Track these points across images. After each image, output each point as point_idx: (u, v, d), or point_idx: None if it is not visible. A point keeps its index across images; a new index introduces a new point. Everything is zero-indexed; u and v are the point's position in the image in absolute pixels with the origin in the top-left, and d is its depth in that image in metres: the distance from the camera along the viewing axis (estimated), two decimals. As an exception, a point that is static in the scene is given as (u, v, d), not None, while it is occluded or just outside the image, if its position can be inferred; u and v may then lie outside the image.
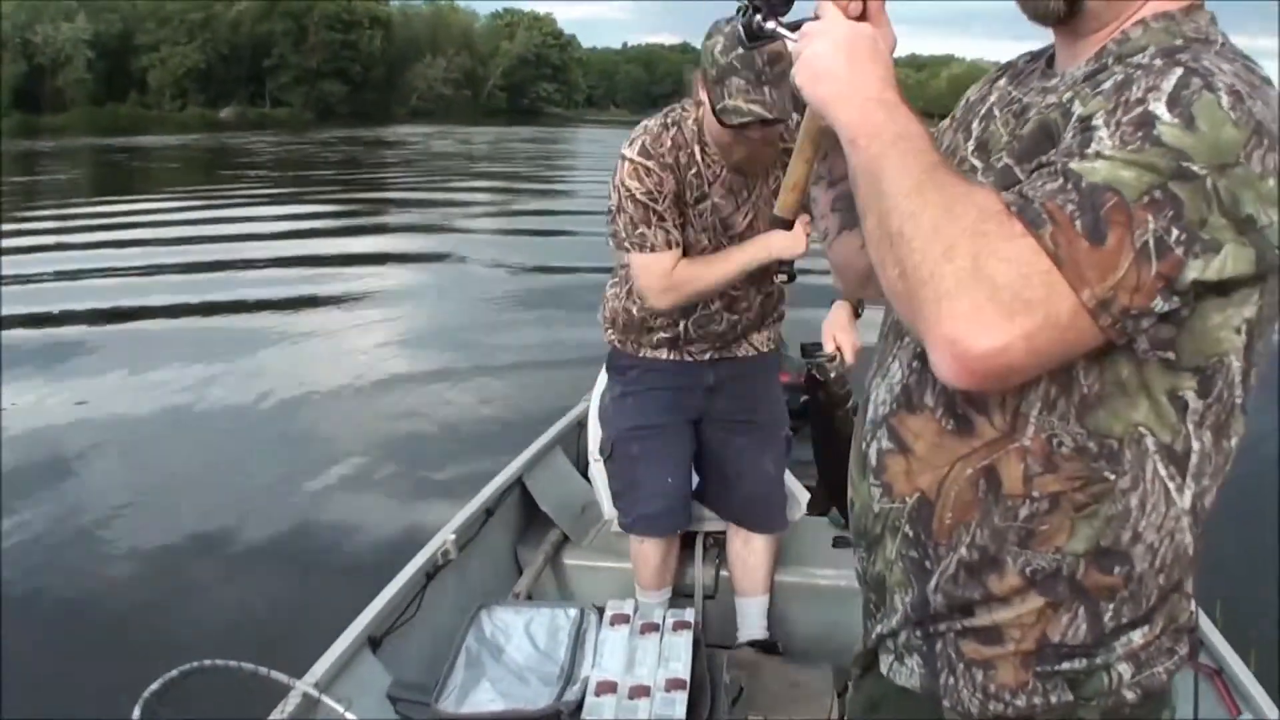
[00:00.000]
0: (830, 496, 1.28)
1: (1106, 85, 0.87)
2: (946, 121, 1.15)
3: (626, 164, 2.19)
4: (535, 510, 2.98)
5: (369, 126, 53.75)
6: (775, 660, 2.45)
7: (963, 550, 0.97)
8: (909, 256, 0.83)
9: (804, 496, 2.68)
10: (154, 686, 1.88)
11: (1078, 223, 0.79)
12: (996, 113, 1.04)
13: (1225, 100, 0.80)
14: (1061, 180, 0.81)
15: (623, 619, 2.43)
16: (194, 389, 6.51)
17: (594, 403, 2.95)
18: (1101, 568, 0.93)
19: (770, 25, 1.06)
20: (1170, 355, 0.87)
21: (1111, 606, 0.95)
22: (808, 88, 0.96)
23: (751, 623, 2.60)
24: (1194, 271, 0.80)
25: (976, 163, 1.02)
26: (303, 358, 7.52)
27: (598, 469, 2.80)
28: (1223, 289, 0.83)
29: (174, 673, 1.91)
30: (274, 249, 12.18)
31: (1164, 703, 1.01)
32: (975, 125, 1.06)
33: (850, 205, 0.93)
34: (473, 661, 2.27)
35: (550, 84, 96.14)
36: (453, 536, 2.58)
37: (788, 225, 1.20)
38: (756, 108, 2.00)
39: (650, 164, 2.17)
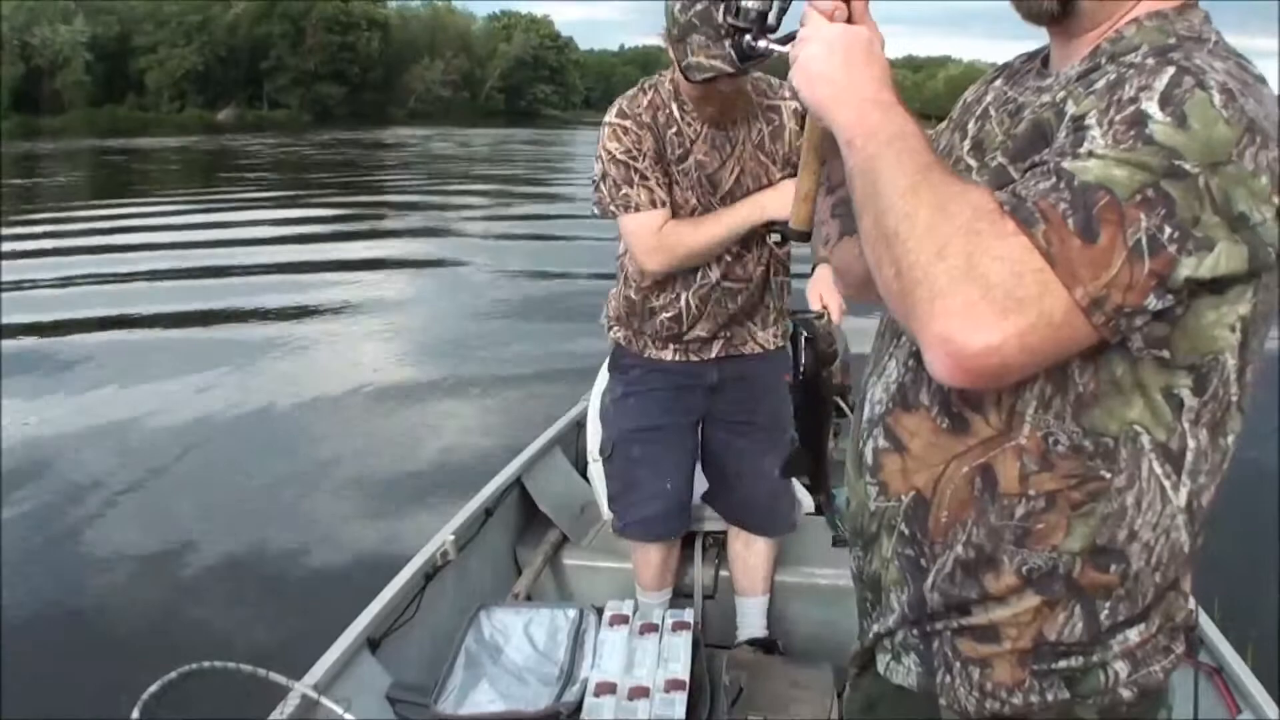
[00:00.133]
0: (811, 460, 1.27)
1: (1099, 84, 0.87)
2: (944, 123, 1.15)
3: (606, 129, 2.21)
4: (534, 511, 2.98)
5: (367, 128, 53.70)
6: (775, 660, 2.44)
7: (959, 549, 0.97)
8: (904, 255, 0.83)
9: (807, 499, 2.66)
10: (153, 688, 1.88)
11: (1070, 221, 0.79)
12: (992, 112, 1.04)
13: (1217, 98, 0.80)
14: (1054, 179, 0.82)
15: (622, 620, 2.42)
16: (191, 394, 6.49)
17: (593, 403, 2.93)
18: (1097, 566, 0.94)
19: (761, 44, 1.06)
20: (1165, 353, 0.87)
21: (1108, 605, 0.95)
22: (805, 91, 0.97)
23: (751, 622, 2.60)
24: (1187, 269, 0.80)
25: (972, 162, 1.02)
26: (301, 362, 7.50)
27: (597, 469, 2.79)
28: (1216, 286, 0.83)
29: (173, 674, 1.91)
30: (272, 254, 12.13)
31: (1161, 701, 1.02)
32: (971, 125, 1.07)
33: (850, 210, 0.93)
34: (472, 662, 2.27)
35: (548, 86, 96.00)
36: (451, 537, 2.57)
37: (805, 238, 1.19)
38: (718, 62, 2.01)
39: (627, 123, 2.18)
